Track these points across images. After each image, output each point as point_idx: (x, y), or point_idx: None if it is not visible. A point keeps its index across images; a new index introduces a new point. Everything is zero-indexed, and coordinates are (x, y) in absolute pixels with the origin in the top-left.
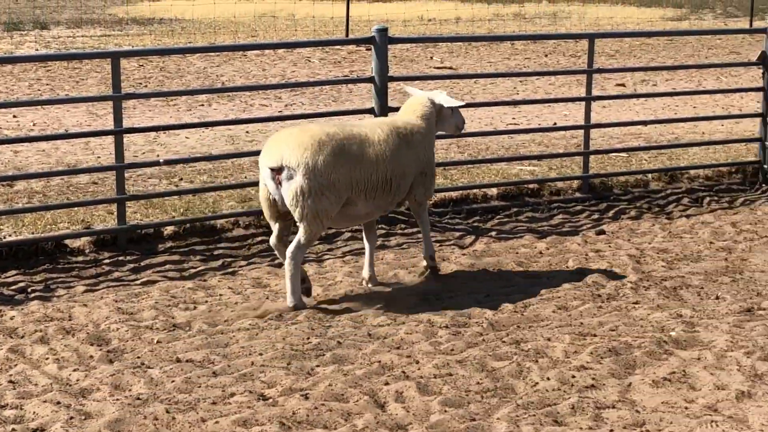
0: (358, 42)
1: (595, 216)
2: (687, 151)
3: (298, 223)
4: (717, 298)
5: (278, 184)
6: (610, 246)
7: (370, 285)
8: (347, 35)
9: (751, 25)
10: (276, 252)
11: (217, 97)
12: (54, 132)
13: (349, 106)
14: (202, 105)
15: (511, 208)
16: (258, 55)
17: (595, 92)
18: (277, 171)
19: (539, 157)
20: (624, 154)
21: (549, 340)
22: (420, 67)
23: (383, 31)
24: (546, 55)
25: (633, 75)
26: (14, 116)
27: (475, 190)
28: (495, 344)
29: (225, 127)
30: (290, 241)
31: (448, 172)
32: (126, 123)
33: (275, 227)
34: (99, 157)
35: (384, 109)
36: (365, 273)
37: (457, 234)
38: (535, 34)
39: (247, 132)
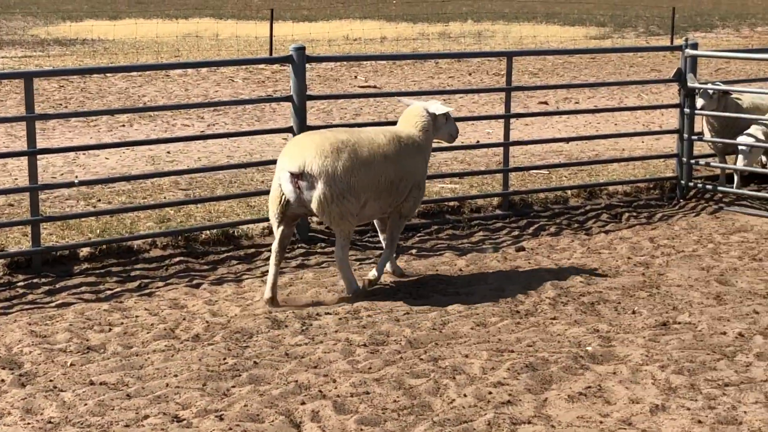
0: (275, 61)
1: (515, 233)
2: (607, 168)
3: (330, 227)
4: (633, 312)
5: (296, 187)
6: (529, 262)
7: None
8: (271, 54)
9: (672, 43)
10: (273, 257)
11: (139, 117)
12: None
13: (273, 125)
14: (123, 125)
15: (432, 225)
16: (181, 75)
17: (517, 110)
18: (297, 176)
19: (460, 175)
20: (545, 171)
21: (467, 356)
22: (344, 86)
23: (301, 49)
24: (470, 74)
25: (556, 93)
26: None
27: None
28: (413, 362)
29: (146, 147)
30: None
31: None
32: (45, 144)
33: (278, 232)
34: (17, 179)
35: (303, 128)
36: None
37: (377, 252)
38: (452, 52)
39: (168, 152)
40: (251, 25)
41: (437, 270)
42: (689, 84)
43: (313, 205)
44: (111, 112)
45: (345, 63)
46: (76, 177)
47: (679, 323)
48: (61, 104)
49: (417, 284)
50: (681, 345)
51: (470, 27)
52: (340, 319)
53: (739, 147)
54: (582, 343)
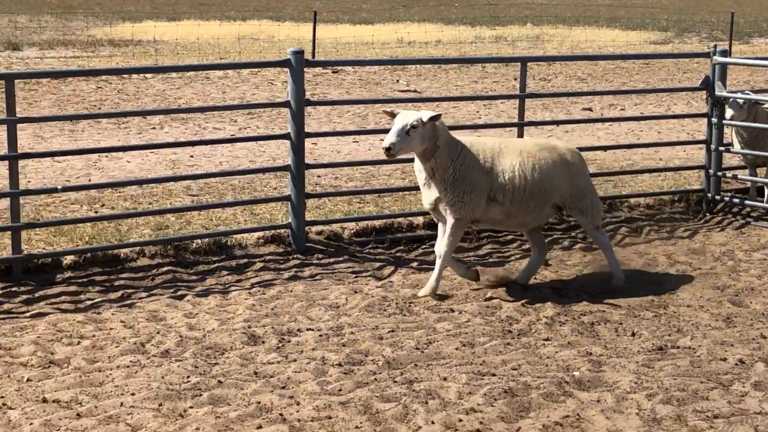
0: (272, 65)
1: (526, 246)
2: (635, 178)
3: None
4: (633, 334)
5: None
6: (535, 278)
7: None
8: (313, 56)
9: (730, 48)
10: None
11: (170, 120)
12: None
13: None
14: (154, 128)
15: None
16: (221, 77)
17: (560, 116)
18: None
19: None
20: None
21: (445, 379)
22: (384, 90)
23: (299, 53)
24: (515, 78)
25: (601, 98)
26: None
27: (400, 219)
28: (386, 384)
29: (170, 150)
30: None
31: (381, 199)
32: (70, 145)
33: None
34: (29, 181)
35: (300, 134)
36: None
37: (377, 265)
38: (462, 57)
39: (191, 156)
40: (307, 27)
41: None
42: (717, 93)
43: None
44: (93, 117)
45: (389, 67)
46: (63, 183)
47: (678, 347)
48: (95, 105)
49: (409, 300)
50: (675, 371)
51: (529, 31)
52: (320, 336)
53: None
54: (570, 367)
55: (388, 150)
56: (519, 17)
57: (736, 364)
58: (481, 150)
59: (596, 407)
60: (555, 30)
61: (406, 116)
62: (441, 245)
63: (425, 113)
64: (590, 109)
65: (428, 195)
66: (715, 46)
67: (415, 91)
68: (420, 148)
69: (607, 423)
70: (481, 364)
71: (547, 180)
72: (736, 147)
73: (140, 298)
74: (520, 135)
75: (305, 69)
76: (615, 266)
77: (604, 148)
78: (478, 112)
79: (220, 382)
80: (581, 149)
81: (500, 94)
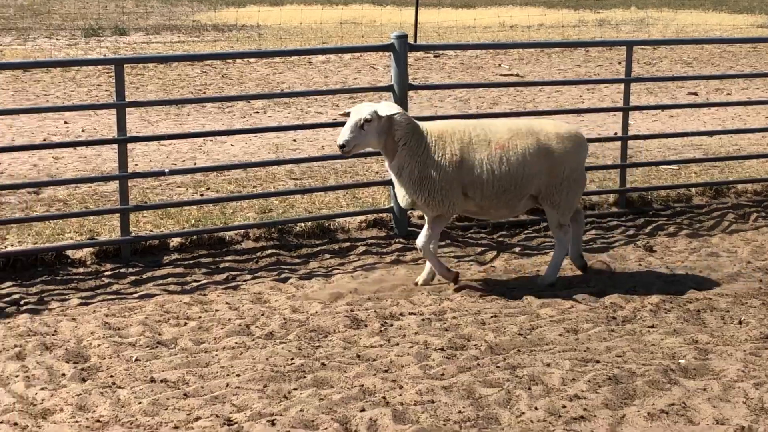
0: (376, 49)
1: (631, 232)
2: (742, 164)
3: None
4: (740, 322)
5: None
6: (640, 264)
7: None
8: (416, 41)
9: None
10: None
11: (273, 104)
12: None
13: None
14: (257, 112)
15: (541, 222)
16: (323, 62)
17: (665, 101)
18: None
19: None
20: (674, 167)
21: (548, 365)
22: (486, 74)
23: (402, 37)
24: (619, 63)
25: (707, 83)
26: (65, 122)
27: None
28: (488, 369)
29: (273, 134)
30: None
31: None
32: (176, 129)
33: None
34: (137, 165)
35: None
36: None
37: (479, 249)
38: (566, 41)
39: (294, 140)
40: (408, 12)
41: (538, 270)
42: None
43: None
44: (199, 101)
45: (491, 51)
46: (169, 166)
47: None
48: (200, 90)
49: (512, 285)
50: None
51: (633, 14)
52: (423, 320)
53: None
54: (676, 354)
55: (342, 147)
56: (623, 1)
57: None
58: (449, 142)
59: (702, 395)
60: (659, 13)
61: (361, 110)
62: (420, 237)
63: (383, 107)
64: (696, 94)
65: (401, 194)
66: None
67: (517, 75)
68: (377, 143)
69: (713, 411)
70: (585, 351)
71: (519, 172)
72: None
73: (245, 281)
74: (625, 120)
75: (407, 53)
76: (554, 268)
77: (710, 134)
78: (581, 96)
79: (323, 364)
80: (687, 134)
81: (604, 78)
